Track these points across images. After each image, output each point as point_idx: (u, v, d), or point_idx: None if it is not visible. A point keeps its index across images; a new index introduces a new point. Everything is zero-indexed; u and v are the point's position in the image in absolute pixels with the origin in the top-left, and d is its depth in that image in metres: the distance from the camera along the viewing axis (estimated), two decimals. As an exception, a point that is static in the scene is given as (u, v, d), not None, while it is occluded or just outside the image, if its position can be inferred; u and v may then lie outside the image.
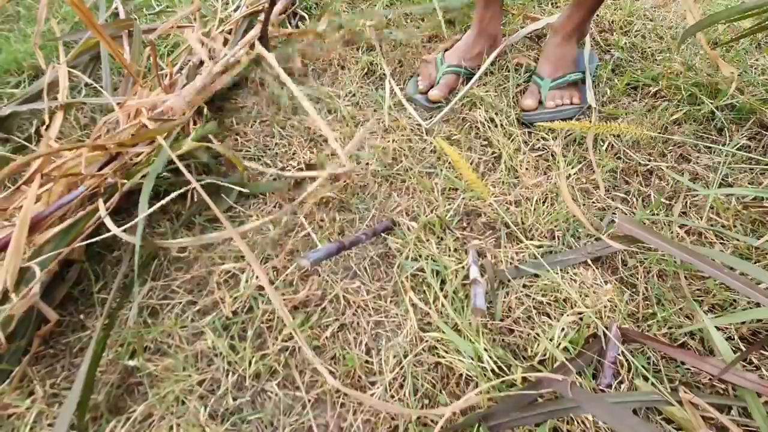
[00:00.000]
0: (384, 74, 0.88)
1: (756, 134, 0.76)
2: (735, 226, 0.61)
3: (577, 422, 0.45)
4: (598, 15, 1.04)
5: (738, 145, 0.73)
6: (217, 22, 0.93)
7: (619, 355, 0.49)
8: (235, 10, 0.99)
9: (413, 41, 0.92)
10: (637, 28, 1.01)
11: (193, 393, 0.49)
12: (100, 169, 0.63)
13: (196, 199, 0.66)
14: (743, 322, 0.51)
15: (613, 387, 0.48)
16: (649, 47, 0.95)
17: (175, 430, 0.46)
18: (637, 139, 0.74)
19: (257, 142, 0.77)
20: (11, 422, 0.48)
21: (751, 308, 0.51)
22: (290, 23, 0.99)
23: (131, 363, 0.50)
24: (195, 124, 0.71)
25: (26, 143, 0.72)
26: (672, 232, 0.61)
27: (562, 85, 0.78)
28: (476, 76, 0.83)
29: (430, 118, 0.80)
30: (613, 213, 0.65)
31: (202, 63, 0.85)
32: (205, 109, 0.74)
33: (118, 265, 0.60)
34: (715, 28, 0.98)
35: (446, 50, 0.88)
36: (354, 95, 0.85)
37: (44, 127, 0.71)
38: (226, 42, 0.89)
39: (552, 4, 1.09)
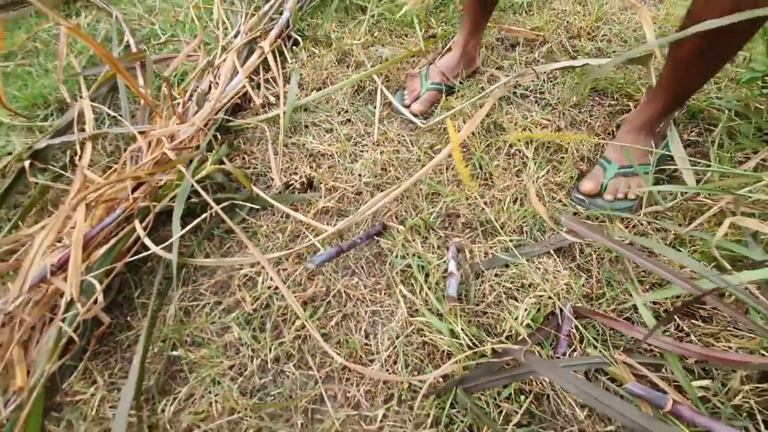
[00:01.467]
0: (372, 90, 0.98)
1: (704, 130, 0.85)
2: (671, 218, 0.71)
3: (536, 383, 0.56)
4: (567, 21, 1.13)
5: (687, 142, 0.83)
6: (220, 49, 1.03)
7: (572, 328, 0.60)
8: (235, 36, 1.09)
9: (398, 57, 1.01)
10: (604, 32, 1.10)
11: (225, 375, 0.60)
12: (132, 192, 0.74)
13: (214, 215, 0.77)
14: (670, 297, 0.61)
15: (568, 355, 0.58)
16: (614, 51, 1.04)
17: (213, 405, 0.57)
18: (598, 143, 0.84)
19: (263, 160, 0.87)
20: (79, 406, 0.59)
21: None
22: (285, 46, 1.08)
23: (175, 353, 0.61)
24: (210, 149, 0.82)
25: (62, 172, 0.83)
26: (614, 226, 0.72)
27: (625, 174, 0.75)
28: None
29: (417, 128, 0.90)
30: (572, 211, 0.75)
31: (209, 89, 0.95)
32: (217, 134, 0.85)
33: (152, 274, 0.71)
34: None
35: (430, 64, 0.97)
36: (347, 111, 0.95)
37: (77, 157, 0.82)
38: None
39: (526, 12, 1.18)
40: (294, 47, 1.09)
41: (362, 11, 1.17)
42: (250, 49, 1.04)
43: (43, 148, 0.83)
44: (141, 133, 0.83)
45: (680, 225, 0.68)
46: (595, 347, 0.58)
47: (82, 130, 0.87)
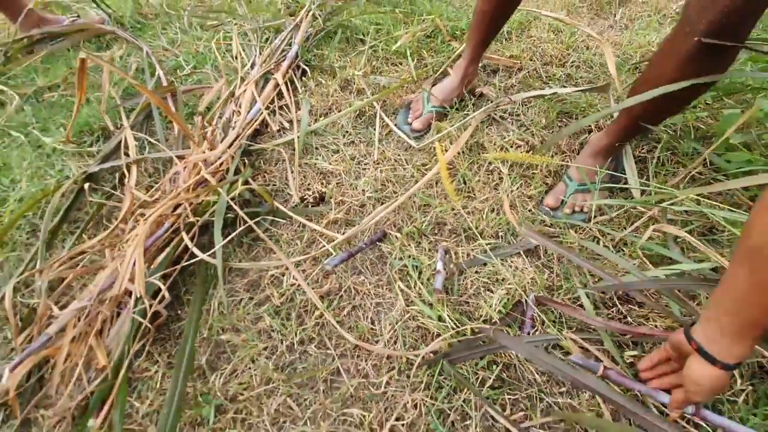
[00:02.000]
0: (372, 114, 1.14)
1: (652, 148, 1.01)
2: (618, 225, 0.87)
3: (506, 356, 0.72)
4: (541, 48, 1.29)
5: (638, 158, 0.99)
6: (239, 80, 1.19)
7: (535, 313, 0.75)
8: (251, 67, 1.24)
9: (393, 86, 1.17)
10: (573, 59, 1.26)
11: (261, 355, 0.76)
12: (174, 210, 0.90)
13: (241, 225, 0.92)
14: (610, 287, 0.77)
15: (531, 334, 0.74)
16: (581, 77, 1.20)
17: (253, 378, 0.73)
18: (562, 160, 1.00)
19: (280, 178, 1.03)
20: (146, 380, 0.74)
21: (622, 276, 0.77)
22: (295, 75, 1.24)
23: (222, 337, 0.76)
24: (237, 172, 0.97)
25: (113, 191, 0.98)
26: (568, 232, 0.87)
27: (585, 190, 0.89)
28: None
29: (411, 148, 1.06)
30: (540, 220, 0.91)
31: (231, 117, 1.11)
32: (245, 159, 1.00)
33: (194, 276, 0.87)
34: (631, 57, 1.23)
35: (432, 85, 1.13)
36: (350, 134, 1.11)
37: (126, 179, 0.97)
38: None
39: (506, 40, 1.34)
40: (303, 77, 1.25)
41: (362, 42, 1.33)
42: (265, 79, 1.20)
43: (95, 172, 0.99)
44: (179, 157, 0.99)
45: (621, 230, 0.84)
46: (553, 327, 0.74)
47: (126, 154, 1.03)
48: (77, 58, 1.29)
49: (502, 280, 0.81)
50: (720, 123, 0.88)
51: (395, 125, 1.10)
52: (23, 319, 0.77)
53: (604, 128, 0.93)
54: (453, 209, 0.92)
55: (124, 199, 0.93)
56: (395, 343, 0.76)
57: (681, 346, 0.52)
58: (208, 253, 0.78)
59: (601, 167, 0.90)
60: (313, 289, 0.82)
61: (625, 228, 0.84)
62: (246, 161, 1.01)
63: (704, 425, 0.60)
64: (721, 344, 0.47)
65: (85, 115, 1.13)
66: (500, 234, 0.89)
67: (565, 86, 1.15)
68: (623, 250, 0.82)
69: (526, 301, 0.76)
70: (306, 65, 1.27)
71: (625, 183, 0.92)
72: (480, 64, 1.25)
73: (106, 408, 0.68)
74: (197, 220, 0.85)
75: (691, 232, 0.80)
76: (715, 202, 0.76)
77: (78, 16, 1.45)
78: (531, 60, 1.26)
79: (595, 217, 0.88)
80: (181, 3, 1.57)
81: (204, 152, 0.97)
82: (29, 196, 0.97)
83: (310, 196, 0.98)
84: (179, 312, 0.82)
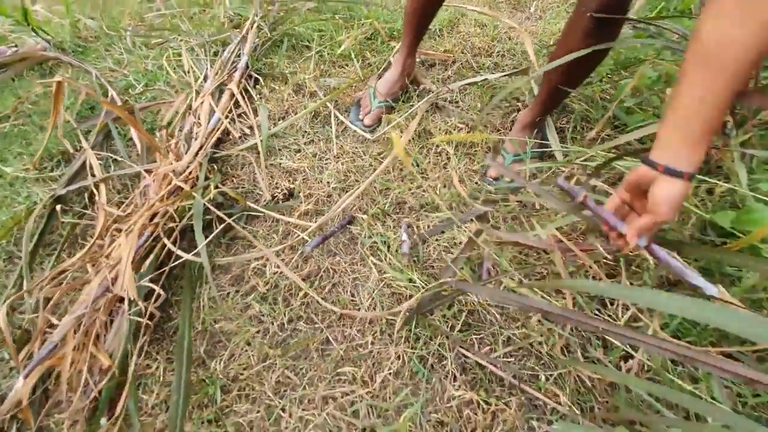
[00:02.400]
0: (327, 114, 1.23)
1: (569, 120, 1.18)
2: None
3: (469, 303, 0.84)
4: (470, 42, 1.44)
5: (559, 129, 1.15)
6: (194, 93, 1.24)
7: (490, 265, 0.88)
8: (205, 80, 1.30)
9: (343, 87, 1.27)
10: (498, 50, 1.42)
11: (255, 338, 0.83)
12: (151, 219, 0.95)
13: (218, 226, 0.98)
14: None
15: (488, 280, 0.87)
16: (506, 64, 1.37)
17: (251, 358, 0.80)
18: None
19: (248, 180, 1.10)
20: (149, 376, 0.80)
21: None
22: (249, 85, 1.31)
23: (216, 326, 0.83)
24: (206, 179, 1.03)
25: (84, 210, 1.01)
26: (510, 196, 1.02)
27: (520, 159, 1.05)
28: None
29: (366, 140, 1.16)
30: (485, 190, 1.04)
31: (192, 128, 1.16)
32: (213, 165, 1.06)
33: (179, 279, 0.92)
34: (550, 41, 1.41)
35: (378, 80, 1.24)
36: (308, 133, 1.19)
37: (97, 197, 1.00)
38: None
39: (438, 36, 1.48)
40: (256, 85, 1.32)
41: (308, 49, 1.42)
42: (220, 91, 1.26)
43: (63, 194, 1.01)
44: (147, 171, 1.03)
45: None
46: (509, 266, 0.87)
47: (93, 174, 1.05)
48: (23, 87, 1.29)
49: (459, 243, 0.93)
50: (617, 91, 1.06)
51: (349, 122, 1.20)
52: (16, 340, 0.80)
53: (529, 105, 1.09)
54: (410, 189, 1.04)
55: (98, 217, 0.96)
56: (374, 308, 0.86)
57: (643, 178, 0.57)
58: (192, 253, 0.84)
59: (530, 138, 1.05)
60: (294, 273, 0.90)
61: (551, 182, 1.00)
62: (214, 167, 1.08)
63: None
64: (682, 158, 0.52)
65: (41, 142, 1.14)
66: (453, 206, 1.01)
67: (493, 73, 1.30)
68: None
69: (481, 254, 0.89)
70: (257, 74, 1.34)
71: (551, 149, 1.08)
72: (418, 60, 1.38)
73: (117, 406, 0.73)
74: (176, 225, 0.91)
75: (605, 181, 0.96)
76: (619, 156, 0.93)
77: (16, 46, 1.43)
78: (462, 53, 1.40)
79: (529, 180, 1.03)
80: (121, 24, 1.58)
81: (172, 163, 1.02)
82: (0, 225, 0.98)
83: (279, 193, 1.06)
84: (171, 312, 0.88)
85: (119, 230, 0.93)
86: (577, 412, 0.72)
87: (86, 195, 1.04)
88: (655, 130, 0.80)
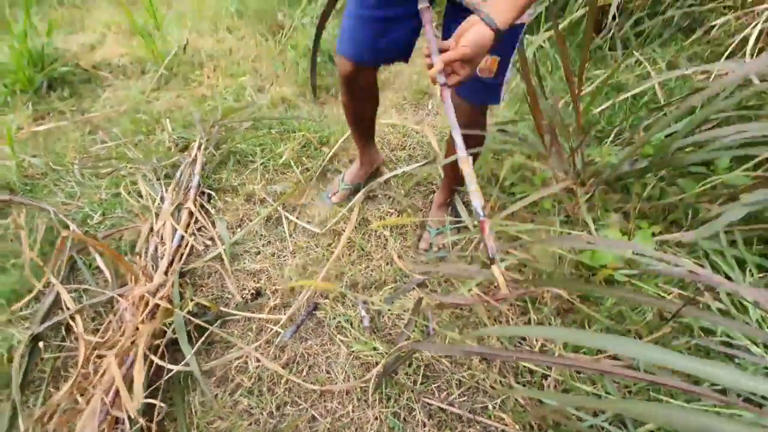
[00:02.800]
0: (278, 216, 1.44)
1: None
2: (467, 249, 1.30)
3: (423, 358, 1.04)
4: (386, 139, 1.77)
5: (465, 201, 1.46)
6: (154, 216, 1.38)
7: (434, 325, 1.10)
8: (162, 202, 1.45)
9: (288, 192, 1.49)
10: (410, 143, 1.76)
11: (248, 430, 0.94)
12: (133, 341, 1.04)
13: (195, 335, 1.10)
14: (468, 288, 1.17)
15: (434, 338, 1.08)
16: (418, 155, 1.70)
17: None
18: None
19: (216, 287, 1.24)
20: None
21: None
22: (203, 200, 1.48)
23: (212, 427, 0.93)
24: (180, 292, 1.16)
25: (62, 343, 1.07)
26: (439, 263, 1.28)
27: (441, 232, 1.32)
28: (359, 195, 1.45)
29: (316, 234, 1.38)
30: (419, 260, 1.29)
31: (156, 249, 1.29)
32: (186, 280, 1.19)
33: (167, 392, 1.01)
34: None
35: (346, 171, 1.48)
36: (264, 236, 1.38)
37: (75, 328, 1.07)
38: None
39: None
40: (210, 200, 1.49)
41: (252, 162, 1.65)
42: (178, 210, 1.41)
43: (41, 331, 1.07)
44: (120, 295, 1.13)
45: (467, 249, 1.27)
46: (447, 328, 1.09)
47: (66, 308, 1.13)
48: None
49: (408, 309, 1.15)
50: (503, 169, 1.40)
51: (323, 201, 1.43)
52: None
53: (440, 187, 1.40)
54: (360, 271, 1.25)
55: (79, 347, 1.04)
56: (348, 379, 1.02)
57: (468, 23, 0.70)
58: (181, 364, 0.96)
59: (445, 215, 1.34)
60: (274, 363, 1.04)
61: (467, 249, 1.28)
62: (186, 281, 1.21)
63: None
64: (501, 17, 0.68)
65: (7, 284, 1.19)
66: (396, 278, 1.24)
67: (409, 164, 1.62)
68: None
69: (426, 316, 1.11)
70: (210, 189, 1.52)
71: (463, 221, 1.37)
72: (347, 159, 1.66)
73: None
74: (161, 342, 1.02)
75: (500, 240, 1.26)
76: (510, 221, 1.24)
77: (-39, 194, 1.48)
78: (382, 149, 1.72)
79: (452, 247, 1.30)
80: (66, 159, 1.69)
81: (145, 284, 1.14)
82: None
83: (247, 294, 1.21)
84: (165, 424, 0.96)
85: (101, 356, 1.01)
86: (518, 428, 0.92)
87: (63, 328, 1.11)
88: (534, 200, 1.12)
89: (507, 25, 0.69)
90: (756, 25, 1.40)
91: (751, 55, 1.35)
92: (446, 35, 0.91)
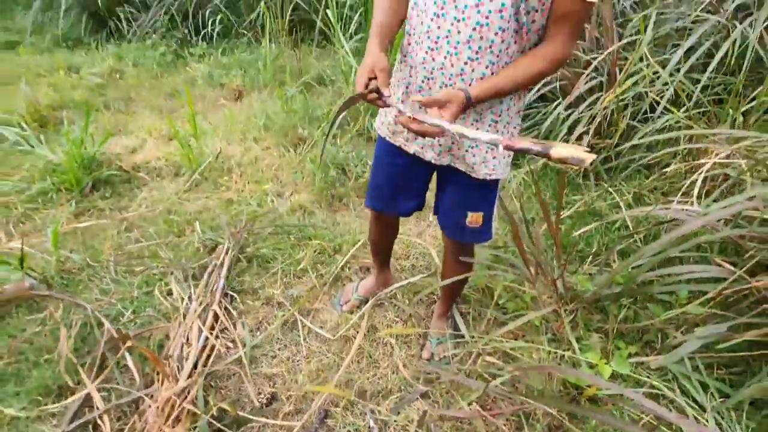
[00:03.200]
0: (294, 320, 1.58)
1: (469, 308, 1.67)
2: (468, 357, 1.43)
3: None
4: (396, 250, 1.98)
5: (463, 313, 1.62)
6: (182, 316, 1.52)
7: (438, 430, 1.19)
8: (189, 301, 1.59)
9: (304, 297, 1.65)
10: (413, 252, 1.97)
11: None
12: (158, 442, 1.12)
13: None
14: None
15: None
16: (421, 265, 1.90)
17: None
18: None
19: (234, 389, 1.34)
20: None
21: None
22: (227, 302, 1.63)
23: None
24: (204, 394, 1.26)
25: (88, 444, 1.14)
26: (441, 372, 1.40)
27: (441, 342, 1.46)
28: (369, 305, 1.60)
29: (328, 340, 1.51)
30: (424, 369, 1.41)
31: (182, 348, 1.41)
32: (211, 383, 1.30)
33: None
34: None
35: (360, 281, 1.65)
36: (281, 339, 1.51)
37: (103, 428, 1.15)
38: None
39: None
40: (233, 302, 1.65)
41: (271, 266, 1.83)
42: (204, 311, 1.55)
43: (70, 430, 1.14)
44: (150, 396, 1.23)
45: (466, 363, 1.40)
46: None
47: (96, 407, 1.21)
48: (13, 325, 1.47)
49: (413, 420, 1.25)
50: (497, 289, 1.59)
51: (336, 304, 1.61)
52: None
53: (440, 298, 1.57)
54: (368, 379, 1.37)
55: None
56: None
57: (449, 95, 0.85)
58: (208, 469, 1.03)
59: (445, 326, 1.50)
60: (288, 472, 1.11)
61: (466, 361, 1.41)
62: (210, 384, 1.31)
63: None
64: (475, 94, 0.87)
65: (39, 378, 1.28)
66: (401, 387, 1.35)
67: (413, 275, 1.81)
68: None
69: (429, 428, 1.21)
70: (233, 292, 1.68)
71: (462, 333, 1.52)
72: (357, 266, 1.85)
73: None
74: (188, 444, 1.10)
75: (495, 354, 1.40)
76: (505, 338, 1.40)
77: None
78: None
79: (452, 357, 1.43)
80: (102, 255, 1.87)
81: (172, 386, 1.24)
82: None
83: (263, 398, 1.31)
84: None
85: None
86: None
87: (90, 426, 1.18)
88: (528, 320, 1.28)
89: (477, 99, 0.88)
90: (701, 173, 1.71)
91: (698, 198, 1.63)
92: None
